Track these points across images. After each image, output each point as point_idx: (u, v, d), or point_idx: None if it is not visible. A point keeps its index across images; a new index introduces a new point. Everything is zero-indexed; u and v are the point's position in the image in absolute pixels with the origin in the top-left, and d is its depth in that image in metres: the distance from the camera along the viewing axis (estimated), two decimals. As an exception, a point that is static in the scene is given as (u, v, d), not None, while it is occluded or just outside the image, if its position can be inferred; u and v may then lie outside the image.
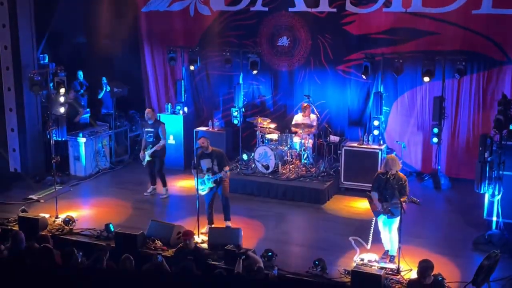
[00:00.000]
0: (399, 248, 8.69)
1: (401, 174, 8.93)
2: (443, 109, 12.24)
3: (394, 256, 8.92)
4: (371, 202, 9.09)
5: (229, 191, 10.30)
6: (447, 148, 12.86)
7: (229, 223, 10.28)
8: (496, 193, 9.76)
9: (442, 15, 12.39)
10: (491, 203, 9.96)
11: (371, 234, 9.39)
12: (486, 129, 11.88)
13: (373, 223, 9.30)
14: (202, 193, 10.06)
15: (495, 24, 12.05)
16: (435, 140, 12.28)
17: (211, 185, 10.01)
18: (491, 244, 9.43)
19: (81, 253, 8.11)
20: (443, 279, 8.12)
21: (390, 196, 8.73)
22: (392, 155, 9.47)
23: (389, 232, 9.00)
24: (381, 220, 9.04)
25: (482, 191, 9.78)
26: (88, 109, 14.71)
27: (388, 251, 9.14)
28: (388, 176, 8.77)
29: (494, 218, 9.90)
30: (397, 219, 8.72)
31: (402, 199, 8.51)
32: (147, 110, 12.11)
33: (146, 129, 12.01)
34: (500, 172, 9.71)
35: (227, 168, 10.01)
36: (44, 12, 13.50)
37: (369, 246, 9.46)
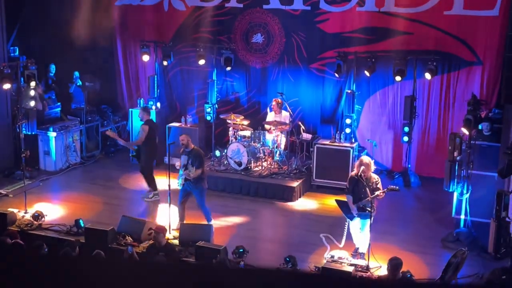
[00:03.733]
0: (369, 245, 8.79)
1: (373, 174, 9.08)
2: (414, 108, 12.38)
3: (364, 254, 9.01)
4: (342, 206, 9.18)
5: (205, 201, 10.22)
6: (417, 146, 13.01)
7: (211, 223, 10.23)
8: (465, 191, 9.92)
9: (415, 15, 12.52)
10: (459, 202, 10.11)
11: (345, 234, 9.43)
12: (455, 128, 12.05)
13: (346, 224, 9.34)
14: (178, 186, 10.12)
15: (466, 25, 12.22)
16: (405, 138, 12.42)
17: (182, 181, 10.04)
18: (459, 241, 9.59)
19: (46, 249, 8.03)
20: (411, 276, 8.24)
21: (364, 196, 8.83)
22: (367, 158, 9.27)
23: (361, 231, 9.08)
24: (355, 222, 9.14)
25: (451, 190, 9.92)
26: (58, 103, 14.52)
27: (358, 248, 9.23)
28: (360, 176, 8.88)
29: (462, 216, 10.06)
30: (368, 220, 8.79)
31: (377, 193, 8.70)
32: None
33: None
34: (469, 171, 9.87)
35: (196, 172, 9.86)
36: (14, 4, 13.28)
37: (342, 245, 9.52)
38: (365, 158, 9.17)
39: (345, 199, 9.16)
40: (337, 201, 9.41)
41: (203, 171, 10.12)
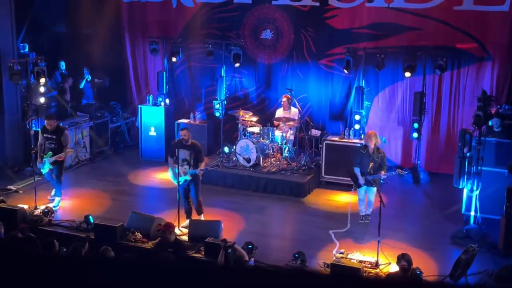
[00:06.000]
0: (378, 241, 8.78)
1: (380, 149, 10.25)
2: (424, 104, 12.33)
3: (369, 215, 10.41)
4: (351, 176, 10.30)
5: (200, 192, 10.21)
6: (426, 143, 12.96)
7: (201, 216, 10.24)
8: (475, 188, 9.88)
9: (424, 11, 12.46)
10: (469, 198, 10.06)
11: (349, 216, 10.45)
12: (465, 124, 12.00)
13: (349, 209, 10.52)
14: (176, 182, 10.01)
15: (476, 20, 12.15)
16: (415, 135, 12.37)
17: (188, 178, 9.98)
18: (469, 238, 9.54)
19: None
20: (421, 273, 8.21)
21: (373, 168, 9.92)
22: (371, 131, 10.61)
23: (368, 197, 10.36)
24: (362, 190, 10.35)
25: (460, 186, 9.89)
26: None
27: (364, 216, 10.42)
28: (367, 150, 10.04)
29: (472, 213, 10.01)
30: (374, 189, 10.02)
31: (383, 172, 9.98)
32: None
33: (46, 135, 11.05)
34: (479, 168, 9.82)
35: (202, 165, 9.98)
36: (24, 1, 13.32)
37: (347, 227, 10.19)
38: (369, 131, 10.55)
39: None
40: (348, 172, 10.46)
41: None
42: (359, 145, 12.13)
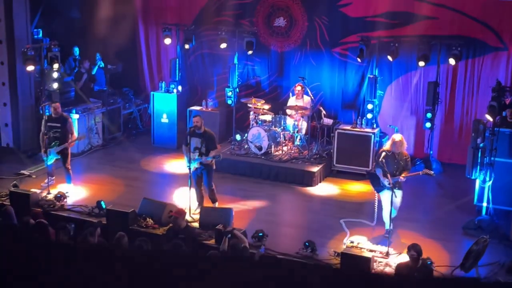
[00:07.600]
0: (389, 231, 8.77)
1: (405, 151, 9.33)
2: (437, 94, 12.24)
3: (388, 230, 9.00)
4: (371, 179, 9.44)
5: (212, 180, 10.18)
6: (439, 133, 12.88)
7: (215, 204, 10.25)
8: (487, 179, 9.83)
9: (440, 0, 12.33)
10: (481, 189, 10.02)
11: (375, 211, 9.61)
12: (479, 115, 11.90)
13: (376, 200, 9.55)
14: (190, 167, 10.02)
15: (492, 10, 12.02)
16: (428, 125, 12.29)
17: (196, 165, 9.98)
18: (481, 229, 9.50)
19: (73, 225, 8.20)
20: (431, 263, 8.20)
21: (396, 171, 9.08)
22: (398, 136, 9.37)
23: (394, 202, 9.06)
24: (385, 194, 9.21)
25: (473, 177, 9.85)
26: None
27: (389, 230, 9.09)
28: (392, 152, 9.14)
29: (484, 204, 9.97)
30: (400, 193, 9.09)
31: (403, 174, 9.03)
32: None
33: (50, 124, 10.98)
34: (492, 158, 9.76)
35: (212, 153, 9.88)
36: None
37: (374, 223, 9.68)
38: (396, 136, 9.33)
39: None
40: (368, 173, 9.98)
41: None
42: (371, 134, 12.12)
